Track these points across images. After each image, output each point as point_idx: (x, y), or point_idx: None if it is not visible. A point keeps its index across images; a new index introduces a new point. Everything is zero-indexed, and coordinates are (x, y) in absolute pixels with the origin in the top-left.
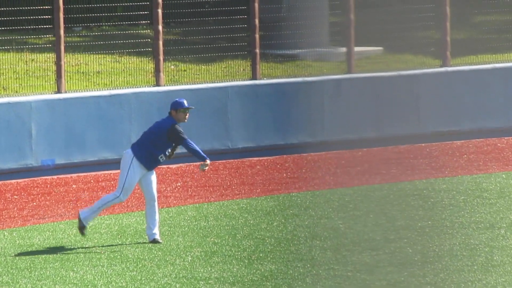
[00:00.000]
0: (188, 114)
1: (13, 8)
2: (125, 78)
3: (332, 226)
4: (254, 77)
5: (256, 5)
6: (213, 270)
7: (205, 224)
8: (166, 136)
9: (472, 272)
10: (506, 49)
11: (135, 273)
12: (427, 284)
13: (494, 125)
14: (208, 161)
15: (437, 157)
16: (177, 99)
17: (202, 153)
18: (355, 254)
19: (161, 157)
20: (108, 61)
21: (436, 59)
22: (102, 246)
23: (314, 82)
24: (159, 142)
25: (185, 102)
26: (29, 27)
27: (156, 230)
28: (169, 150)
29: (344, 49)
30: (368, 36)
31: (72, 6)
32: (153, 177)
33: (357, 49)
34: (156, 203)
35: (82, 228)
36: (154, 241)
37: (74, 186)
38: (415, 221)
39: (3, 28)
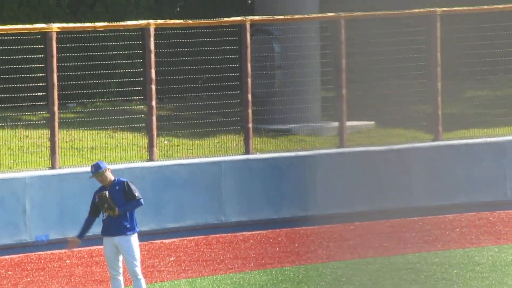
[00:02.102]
0: (103, 177)
1: (7, 85)
2: (118, 154)
3: None
4: (247, 151)
5: (249, 80)
6: None
7: None
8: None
9: None
10: (497, 123)
11: None
12: None
13: (486, 199)
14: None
15: (430, 230)
16: (93, 164)
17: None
18: None
19: (103, 215)
20: (102, 136)
21: (428, 133)
22: None
23: (307, 156)
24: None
25: (93, 168)
26: (24, 104)
27: None
28: (103, 205)
29: (336, 124)
30: (359, 110)
31: (66, 82)
32: (126, 249)
33: (349, 123)
34: (137, 278)
35: None
36: None
37: (68, 261)
38: None
39: None
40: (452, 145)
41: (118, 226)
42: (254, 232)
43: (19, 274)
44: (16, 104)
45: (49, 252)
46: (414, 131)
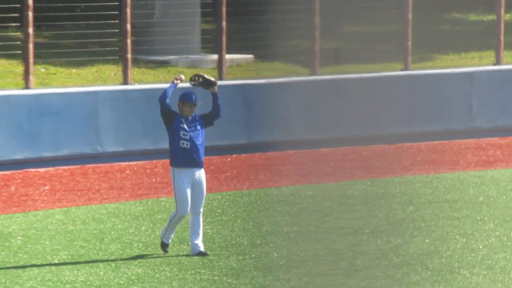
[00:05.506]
0: (193, 110)
1: None
2: None
3: None
4: (125, 82)
5: (128, 10)
6: (79, 274)
7: (72, 227)
8: (165, 122)
9: (335, 276)
10: (376, 59)
11: None
12: None
13: (357, 133)
14: (180, 79)
15: (304, 164)
16: (187, 91)
17: (167, 92)
18: (222, 258)
19: (182, 143)
20: None
21: (305, 67)
22: None
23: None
24: (169, 133)
25: (193, 97)
26: None
27: (199, 242)
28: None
29: (215, 56)
30: (239, 43)
31: None
32: (199, 183)
33: (228, 56)
34: (199, 215)
35: (163, 246)
36: (200, 254)
37: None
38: (281, 227)
39: None
40: (328, 80)
41: (200, 158)
42: (130, 163)
43: None
44: None
45: None
46: (292, 65)
